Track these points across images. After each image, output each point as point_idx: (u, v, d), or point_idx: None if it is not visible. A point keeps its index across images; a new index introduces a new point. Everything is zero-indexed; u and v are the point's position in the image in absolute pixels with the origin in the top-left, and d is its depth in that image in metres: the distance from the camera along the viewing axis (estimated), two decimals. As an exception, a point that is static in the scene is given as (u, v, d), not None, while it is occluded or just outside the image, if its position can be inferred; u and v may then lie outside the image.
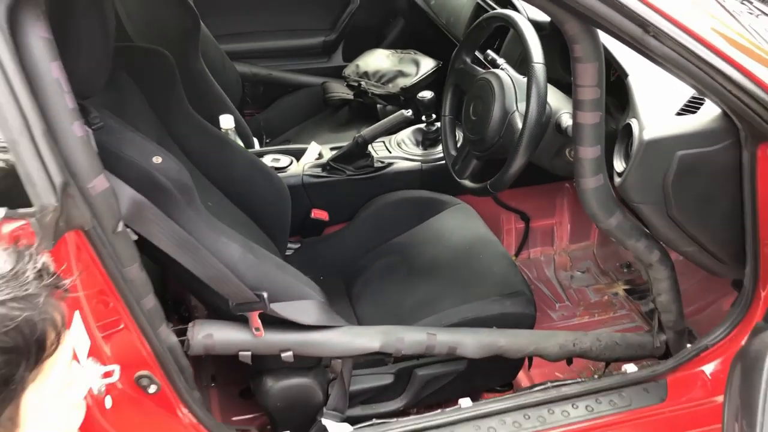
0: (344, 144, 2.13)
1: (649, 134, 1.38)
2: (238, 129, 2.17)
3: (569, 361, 1.77)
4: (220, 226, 1.38)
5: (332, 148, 2.19)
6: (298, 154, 2.19)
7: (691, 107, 1.44)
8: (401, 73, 2.55)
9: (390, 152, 2.19)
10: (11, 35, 0.99)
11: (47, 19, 1.03)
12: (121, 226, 1.16)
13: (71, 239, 1.09)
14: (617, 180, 1.49)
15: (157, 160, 1.24)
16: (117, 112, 1.36)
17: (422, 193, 2.10)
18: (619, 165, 1.49)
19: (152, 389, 1.27)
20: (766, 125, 1.30)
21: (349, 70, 2.67)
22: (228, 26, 2.80)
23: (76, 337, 1.10)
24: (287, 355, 1.41)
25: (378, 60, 2.65)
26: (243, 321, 1.40)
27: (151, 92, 1.60)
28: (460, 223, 2.01)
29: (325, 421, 1.53)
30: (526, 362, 1.81)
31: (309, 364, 1.54)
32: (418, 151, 2.20)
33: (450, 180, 1.92)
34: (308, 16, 2.99)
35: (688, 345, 1.69)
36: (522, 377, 1.90)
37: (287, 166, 2.12)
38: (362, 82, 2.58)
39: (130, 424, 1.24)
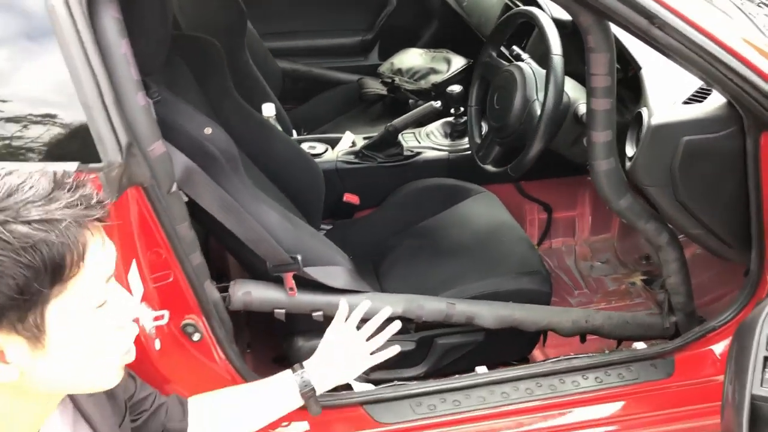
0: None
1: (656, 119, 1.49)
2: (279, 118, 2.32)
3: (582, 339, 1.87)
4: (262, 195, 1.53)
5: (365, 137, 2.33)
6: (333, 143, 2.34)
7: (698, 97, 1.54)
8: (433, 71, 2.69)
9: (419, 142, 2.33)
10: (89, 15, 1.15)
11: (118, 2, 1.19)
12: (174, 187, 1.32)
13: (132, 195, 1.24)
14: (628, 164, 1.59)
15: (208, 131, 1.40)
16: (172, 90, 1.52)
17: (449, 181, 2.22)
18: (630, 150, 1.60)
19: (196, 337, 1.42)
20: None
21: (384, 67, 2.81)
22: (272, 25, 2.97)
23: (132, 278, 1.25)
24: (318, 315, 1.55)
25: (412, 58, 2.79)
26: (278, 282, 1.54)
27: (201, 76, 1.76)
28: (484, 210, 2.13)
29: (350, 380, 1.65)
30: (541, 339, 1.92)
31: (337, 326, 1.67)
32: (446, 142, 2.32)
33: (475, 170, 2.05)
34: (347, 17, 3.15)
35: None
36: (537, 355, 2.00)
37: (323, 153, 2.27)
38: (396, 79, 2.72)
39: (175, 365, 1.39)
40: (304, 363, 1.37)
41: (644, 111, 1.55)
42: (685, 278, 1.74)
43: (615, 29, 1.46)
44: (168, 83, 1.52)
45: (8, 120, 1.14)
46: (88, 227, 0.80)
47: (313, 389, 1.34)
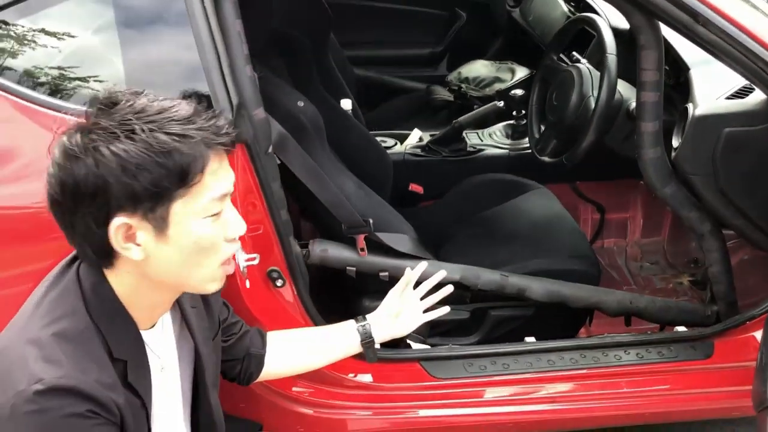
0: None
1: (700, 111, 1.64)
2: (354, 114, 2.55)
3: (627, 323, 1.99)
4: (340, 165, 1.74)
5: (431, 135, 2.53)
6: (402, 138, 2.55)
7: (741, 93, 1.69)
8: (498, 79, 2.88)
9: (482, 141, 2.52)
10: (214, -2, 1.40)
11: (237, -11, 1.44)
12: (270, 149, 1.54)
13: (236, 151, 1.47)
14: (674, 155, 1.74)
15: (300, 104, 1.62)
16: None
17: (508, 177, 2.38)
18: (676, 142, 1.75)
19: (279, 283, 1.62)
20: (805, 110, 1.53)
21: (452, 76, 3.02)
22: (350, 35, 3.21)
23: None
24: (384, 275, 1.74)
25: (478, 68, 2.99)
26: (351, 244, 1.74)
27: (291, 66, 2.00)
28: (540, 203, 2.28)
29: (408, 340, 1.83)
30: (587, 321, 2.05)
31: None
32: (507, 141, 2.51)
33: (534, 168, 2.21)
34: (419, 30, 3.38)
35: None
36: (583, 335, 2.13)
37: (392, 146, 2.49)
38: (463, 86, 2.93)
39: (260, 303, 1.59)
40: (367, 316, 1.55)
41: (690, 106, 1.70)
42: (727, 268, 1.84)
43: (667, 34, 1.62)
44: (267, 66, 1.76)
45: (147, 78, 1.40)
46: (213, 150, 0.98)
47: (372, 340, 1.52)
